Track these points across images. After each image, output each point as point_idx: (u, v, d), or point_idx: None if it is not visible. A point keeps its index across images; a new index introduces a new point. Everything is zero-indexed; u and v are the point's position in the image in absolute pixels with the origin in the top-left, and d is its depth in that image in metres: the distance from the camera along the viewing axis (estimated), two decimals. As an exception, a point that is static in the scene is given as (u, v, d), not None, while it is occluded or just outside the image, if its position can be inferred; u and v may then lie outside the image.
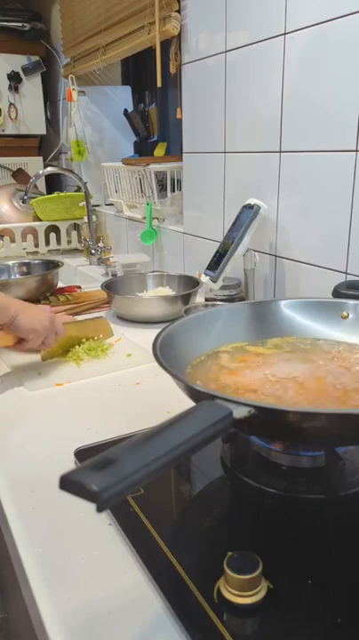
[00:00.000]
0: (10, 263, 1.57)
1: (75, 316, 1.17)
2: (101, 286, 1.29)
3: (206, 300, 1.22)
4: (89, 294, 1.43)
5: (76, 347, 1.02)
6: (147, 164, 1.55)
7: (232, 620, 0.43)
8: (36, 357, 1.00)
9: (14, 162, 2.44)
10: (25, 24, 2.28)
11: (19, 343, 0.92)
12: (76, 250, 2.13)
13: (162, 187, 1.62)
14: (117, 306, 1.24)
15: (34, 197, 2.00)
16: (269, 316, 0.79)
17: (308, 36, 0.97)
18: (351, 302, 0.78)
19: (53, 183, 2.59)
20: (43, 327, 0.90)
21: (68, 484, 0.35)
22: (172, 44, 1.38)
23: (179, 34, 1.36)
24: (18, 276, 1.55)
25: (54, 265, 1.50)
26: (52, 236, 2.05)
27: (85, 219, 1.98)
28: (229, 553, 0.46)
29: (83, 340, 1.04)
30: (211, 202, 1.36)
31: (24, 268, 1.57)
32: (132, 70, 2.14)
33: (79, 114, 2.05)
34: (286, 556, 0.50)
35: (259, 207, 1.09)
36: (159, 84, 1.42)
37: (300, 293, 1.09)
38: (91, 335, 1.07)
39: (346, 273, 0.97)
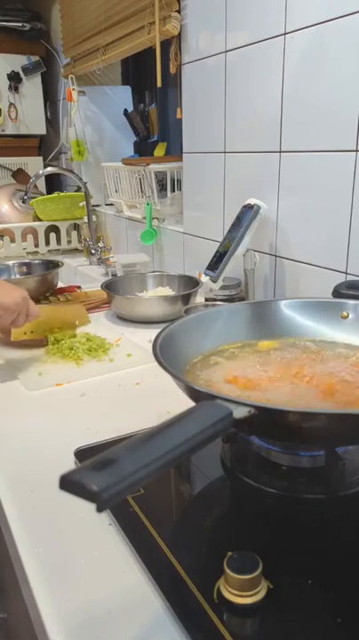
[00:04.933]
0: (10, 263, 1.57)
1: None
2: (101, 286, 1.29)
3: (206, 299, 1.22)
4: (89, 294, 1.43)
5: (77, 347, 1.02)
6: (147, 164, 1.55)
7: (232, 620, 0.43)
8: (36, 358, 1.00)
9: (14, 162, 2.44)
10: (25, 24, 2.28)
11: None
12: (76, 250, 2.13)
13: (162, 187, 1.62)
14: (117, 306, 1.24)
15: (34, 197, 2.00)
16: (269, 316, 0.79)
17: (308, 36, 0.97)
18: (351, 302, 0.78)
19: (53, 183, 2.59)
20: (15, 304, 0.89)
21: (68, 483, 0.35)
22: (172, 44, 1.38)
23: (179, 34, 1.36)
24: (18, 276, 1.55)
25: (54, 265, 1.50)
26: (52, 235, 2.05)
27: (85, 219, 1.98)
28: (229, 553, 0.46)
29: (56, 329, 1.04)
30: (211, 202, 1.36)
31: (24, 268, 1.57)
32: (132, 70, 2.14)
33: (79, 114, 2.05)
34: (286, 556, 0.50)
35: (259, 207, 1.09)
36: (159, 84, 1.42)
37: (300, 293, 1.09)
38: (68, 321, 1.07)
39: (346, 273, 0.97)
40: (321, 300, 0.80)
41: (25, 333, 1.00)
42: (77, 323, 1.09)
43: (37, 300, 1.35)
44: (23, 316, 0.92)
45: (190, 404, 0.50)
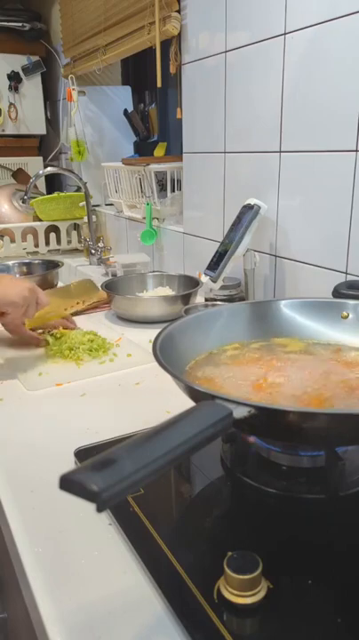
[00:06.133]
0: (10, 263, 1.57)
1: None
2: (101, 286, 1.29)
3: (206, 300, 1.22)
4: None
5: (78, 347, 1.02)
6: (147, 164, 1.55)
7: (232, 620, 0.43)
8: (36, 358, 1.00)
9: (14, 162, 2.44)
10: (25, 24, 2.28)
11: (1, 316, 0.90)
12: (76, 250, 2.12)
13: (162, 187, 1.62)
14: (117, 306, 1.24)
15: (34, 197, 2.00)
16: (269, 316, 0.79)
17: (308, 36, 0.97)
18: (351, 302, 0.78)
19: (53, 183, 2.59)
20: (22, 298, 0.88)
21: (68, 483, 0.35)
22: (172, 43, 1.38)
23: (179, 34, 1.36)
24: (18, 276, 1.55)
25: (54, 265, 1.50)
26: (52, 235, 2.05)
27: (85, 219, 1.98)
28: (229, 553, 0.46)
29: (67, 308, 1.04)
30: (211, 202, 1.36)
31: (24, 268, 1.57)
32: (132, 70, 2.14)
33: (79, 114, 2.05)
34: (286, 556, 0.50)
35: (259, 207, 1.09)
36: (159, 84, 1.42)
37: (300, 293, 1.09)
38: (79, 299, 1.07)
39: (346, 273, 0.97)
40: (321, 299, 0.80)
41: (39, 321, 0.98)
42: (84, 301, 1.08)
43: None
44: (33, 307, 0.91)
45: (190, 403, 0.50)
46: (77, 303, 1.08)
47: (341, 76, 0.92)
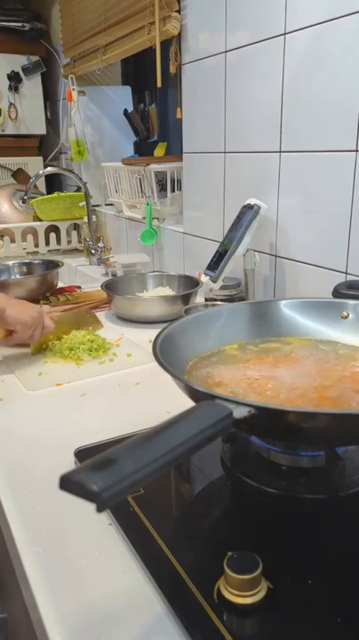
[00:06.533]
0: (10, 263, 1.57)
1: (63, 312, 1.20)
2: (101, 286, 1.29)
3: (206, 299, 1.22)
4: (89, 294, 1.43)
5: (78, 347, 1.02)
6: (147, 164, 1.55)
7: (232, 620, 0.43)
8: (36, 358, 1.00)
9: (14, 162, 2.44)
10: (25, 24, 2.28)
11: (10, 335, 0.97)
12: (76, 250, 2.13)
13: (162, 187, 1.62)
14: (117, 306, 1.24)
15: (34, 197, 2.00)
16: (269, 316, 0.79)
17: (308, 36, 0.97)
18: (351, 302, 0.78)
19: (53, 183, 2.59)
20: (32, 319, 0.94)
21: (68, 483, 0.35)
22: (172, 43, 1.38)
23: (179, 34, 1.36)
24: (18, 276, 1.55)
25: (54, 265, 1.50)
26: (52, 236, 2.05)
27: (85, 219, 1.98)
28: (229, 553, 0.46)
29: (77, 334, 1.05)
30: (211, 202, 1.36)
31: (24, 268, 1.57)
32: (132, 70, 2.14)
33: (79, 114, 2.05)
34: (286, 556, 0.50)
35: (259, 207, 1.09)
36: (159, 84, 1.42)
37: (300, 293, 1.09)
38: (81, 328, 1.09)
39: (346, 273, 0.97)
40: (321, 299, 0.80)
41: (43, 347, 1.03)
42: (91, 329, 1.10)
43: (37, 301, 1.35)
44: (39, 330, 0.97)
45: (190, 403, 0.50)
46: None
47: (341, 76, 0.92)
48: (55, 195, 2.05)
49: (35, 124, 2.43)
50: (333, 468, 0.58)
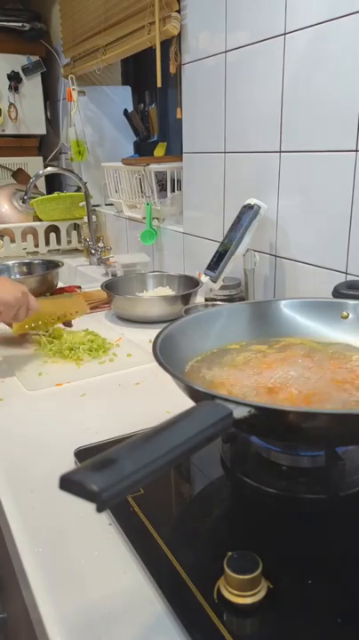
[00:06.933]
0: (10, 263, 1.57)
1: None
2: (101, 286, 1.29)
3: (206, 299, 1.22)
4: (89, 294, 1.43)
5: (78, 347, 1.02)
6: (147, 164, 1.55)
7: (232, 619, 0.43)
8: (36, 358, 1.00)
9: (14, 162, 2.44)
10: (25, 24, 2.28)
11: None
12: (76, 250, 2.13)
13: (162, 187, 1.62)
14: (117, 306, 1.24)
15: (34, 197, 2.00)
16: (269, 316, 0.79)
17: (308, 36, 0.97)
18: (351, 302, 0.78)
19: (53, 183, 2.59)
20: (16, 299, 0.92)
21: (68, 483, 0.35)
22: (172, 43, 1.38)
23: (179, 34, 1.36)
24: (18, 276, 1.55)
25: (54, 265, 1.50)
26: (52, 236, 2.05)
27: (85, 219, 1.98)
28: (229, 553, 0.46)
29: (57, 319, 1.07)
30: (211, 202, 1.36)
31: (24, 268, 1.57)
32: (132, 70, 2.14)
33: (79, 114, 2.05)
34: (286, 556, 0.50)
35: (259, 207, 1.09)
36: (159, 84, 1.42)
37: (300, 293, 1.09)
38: (67, 311, 1.09)
39: (346, 273, 0.97)
40: (321, 299, 0.80)
41: (26, 327, 1.02)
42: (78, 312, 1.10)
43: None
44: (24, 310, 0.94)
45: (190, 403, 0.50)
46: (70, 314, 1.09)
47: (341, 76, 0.92)
48: (55, 195, 2.05)
49: (35, 123, 2.43)
50: (333, 467, 0.58)
